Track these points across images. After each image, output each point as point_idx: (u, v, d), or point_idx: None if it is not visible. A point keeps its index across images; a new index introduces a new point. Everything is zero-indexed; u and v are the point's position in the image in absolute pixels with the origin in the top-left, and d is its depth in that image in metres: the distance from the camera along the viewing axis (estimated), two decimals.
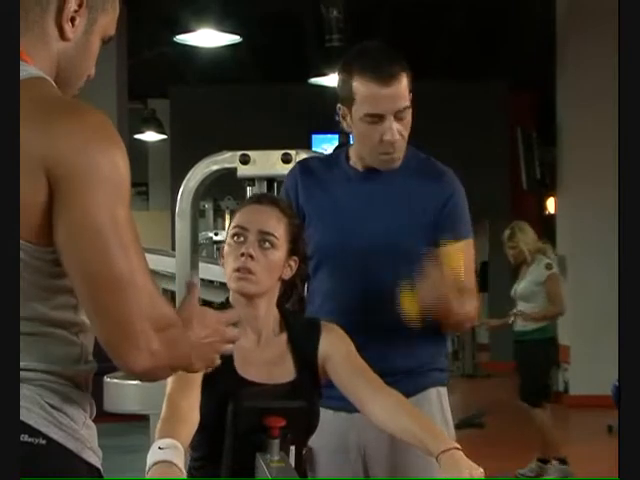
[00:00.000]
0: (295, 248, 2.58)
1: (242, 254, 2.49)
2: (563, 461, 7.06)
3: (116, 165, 1.66)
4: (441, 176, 2.96)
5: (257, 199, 2.63)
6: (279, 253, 2.53)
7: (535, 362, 7.13)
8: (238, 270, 2.50)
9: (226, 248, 2.55)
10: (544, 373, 7.18)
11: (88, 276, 1.63)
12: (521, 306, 7.22)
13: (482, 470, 2.34)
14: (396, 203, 2.91)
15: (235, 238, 2.53)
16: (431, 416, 2.82)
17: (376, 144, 2.86)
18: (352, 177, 2.96)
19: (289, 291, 2.64)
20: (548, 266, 7.11)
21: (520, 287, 7.23)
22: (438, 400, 2.94)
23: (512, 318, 7.27)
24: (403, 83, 2.82)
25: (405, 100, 2.83)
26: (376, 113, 2.82)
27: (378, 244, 2.88)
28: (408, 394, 2.72)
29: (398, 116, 2.83)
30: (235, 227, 2.54)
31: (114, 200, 1.65)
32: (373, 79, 2.81)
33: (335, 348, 2.59)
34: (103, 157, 1.64)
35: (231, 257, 2.52)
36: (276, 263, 2.53)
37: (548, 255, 7.26)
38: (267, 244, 2.51)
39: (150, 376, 1.72)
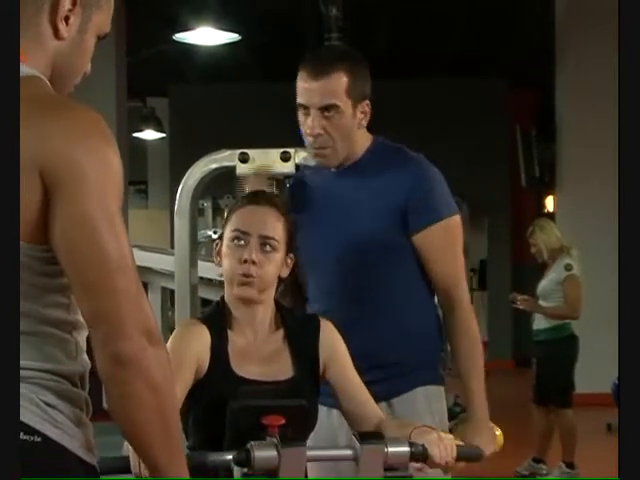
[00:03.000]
0: (291, 246, 2.58)
1: (245, 260, 2.48)
2: (571, 465, 7.00)
3: (109, 162, 1.67)
4: (408, 163, 2.94)
5: (254, 199, 2.60)
6: (279, 255, 2.53)
7: (555, 361, 7.03)
8: (241, 276, 2.49)
9: (225, 250, 2.53)
10: (566, 372, 7.02)
11: (85, 268, 1.64)
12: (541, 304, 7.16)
13: (452, 436, 2.37)
14: (362, 199, 2.92)
15: (235, 241, 2.51)
16: (418, 417, 2.80)
17: (305, 136, 2.91)
18: (327, 179, 2.99)
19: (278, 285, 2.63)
20: (567, 267, 7.02)
21: (541, 285, 7.18)
22: (426, 400, 2.92)
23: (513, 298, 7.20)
24: (335, 81, 2.84)
25: (333, 98, 2.84)
26: (301, 104, 2.88)
27: (354, 242, 2.89)
28: (392, 394, 2.73)
29: (325, 113, 2.85)
30: (235, 230, 2.53)
31: (108, 196, 1.65)
32: (305, 71, 2.87)
33: (334, 350, 2.59)
34: (96, 154, 1.65)
35: (233, 260, 2.51)
36: (277, 265, 2.53)
37: (572, 255, 7.14)
38: (268, 247, 2.51)
39: (131, 366, 1.65)
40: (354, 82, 2.86)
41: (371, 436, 2.22)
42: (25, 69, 1.71)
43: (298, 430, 2.37)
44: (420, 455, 2.26)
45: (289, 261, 2.57)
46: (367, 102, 2.91)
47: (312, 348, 2.57)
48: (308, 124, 2.87)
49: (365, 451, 2.14)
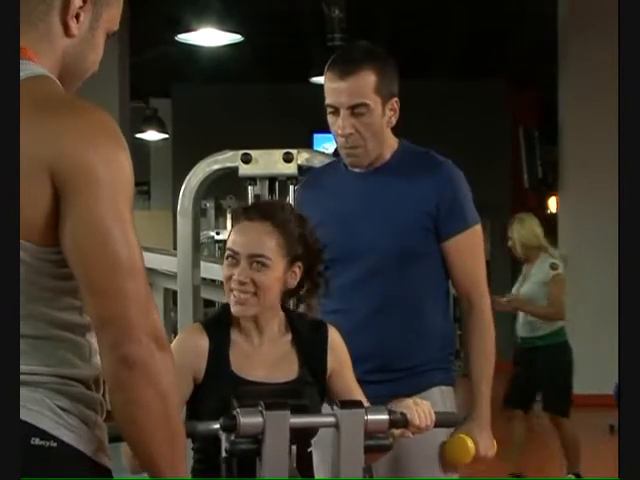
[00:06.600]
0: (297, 255, 2.51)
1: (235, 280, 2.48)
2: (578, 475, 6.74)
3: (120, 164, 1.66)
4: (437, 168, 2.96)
5: (248, 215, 2.52)
6: (272, 272, 2.47)
7: (556, 368, 6.72)
8: (233, 293, 2.49)
9: (223, 266, 2.53)
10: (567, 379, 6.73)
11: (95, 271, 1.63)
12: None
13: (428, 402, 2.48)
14: (392, 201, 2.93)
15: (228, 260, 2.51)
16: None
17: (335, 137, 2.92)
18: (348, 180, 2.99)
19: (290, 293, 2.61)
20: (553, 266, 6.66)
21: (524, 288, 6.81)
22: (442, 400, 2.95)
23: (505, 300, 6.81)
24: (363, 80, 2.85)
25: (362, 97, 2.86)
26: (331, 104, 2.90)
27: (377, 244, 2.90)
28: (410, 393, 2.73)
29: (354, 112, 2.86)
30: (228, 249, 2.51)
31: (119, 198, 1.65)
32: (332, 72, 2.89)
33: (342, 361, 2.60)
34: (107, 155, 1.64)
35: (226, 277, 2.51)
36: (270, 283, 2.48)
37: (551, 253, 6.79)
38: (258, 265, 2.47)
39: (140, 371, 1.64)
40: (382, 80, 2.87)
41: (351, 404, 2.28)
42: (35, 68, 1.70)
43: (301, 432, 2.37)
44: (399, 421, 2.32)
45: (297, 270, 2.52)
46: (396, 99, 2.92)
47: (321, 353, 2.57)
48: (338, 124, 2.88)
49: (345, 416, 2.19)
